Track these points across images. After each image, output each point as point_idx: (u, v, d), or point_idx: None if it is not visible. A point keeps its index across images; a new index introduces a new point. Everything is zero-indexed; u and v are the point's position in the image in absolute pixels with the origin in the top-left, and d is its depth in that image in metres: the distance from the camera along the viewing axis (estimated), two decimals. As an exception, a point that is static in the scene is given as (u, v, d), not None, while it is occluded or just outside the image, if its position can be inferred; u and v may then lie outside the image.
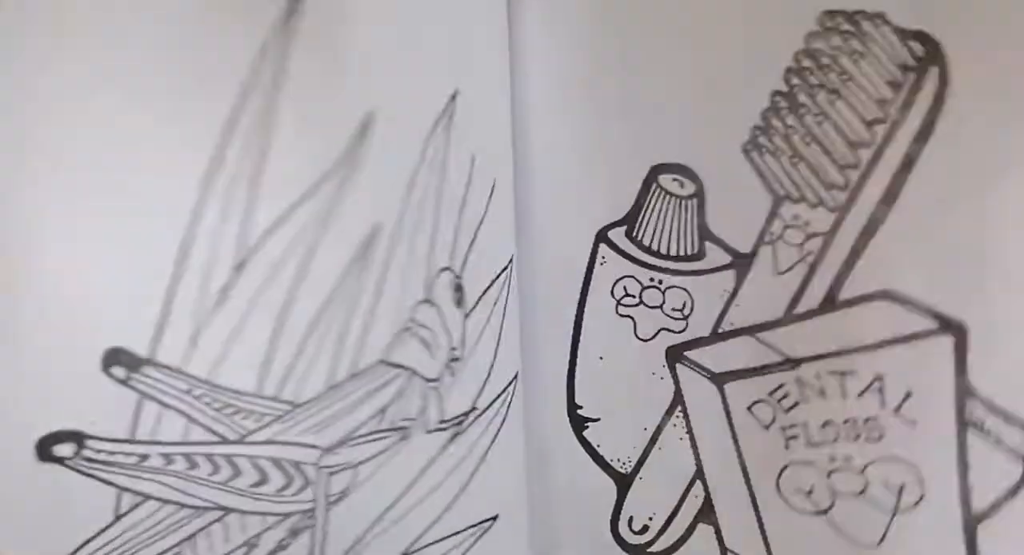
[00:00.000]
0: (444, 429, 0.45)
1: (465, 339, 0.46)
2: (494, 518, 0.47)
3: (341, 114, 0.38)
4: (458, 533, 0.46)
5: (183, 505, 0.38)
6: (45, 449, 0.35)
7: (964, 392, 0.39)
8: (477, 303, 0.47)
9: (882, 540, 0.43)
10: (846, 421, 0.43)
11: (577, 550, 0.51)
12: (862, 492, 0.43)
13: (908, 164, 0.39)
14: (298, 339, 0.39)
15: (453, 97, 0.44)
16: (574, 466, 0.50)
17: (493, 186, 0.49)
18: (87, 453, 0.36)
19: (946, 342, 0.39)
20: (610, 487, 0.50)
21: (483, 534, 0.47)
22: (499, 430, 0.48)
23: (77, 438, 0.36)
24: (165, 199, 0.35)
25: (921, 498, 0.41)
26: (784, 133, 0.42)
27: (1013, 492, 0.39)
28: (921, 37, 0.37)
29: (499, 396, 0.48)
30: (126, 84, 0.34)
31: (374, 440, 0.42)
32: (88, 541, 0.37)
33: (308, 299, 0.39)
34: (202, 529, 0.39)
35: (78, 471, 0.36)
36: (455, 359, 0.45)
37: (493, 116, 0.48)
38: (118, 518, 0.37)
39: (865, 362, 0.41)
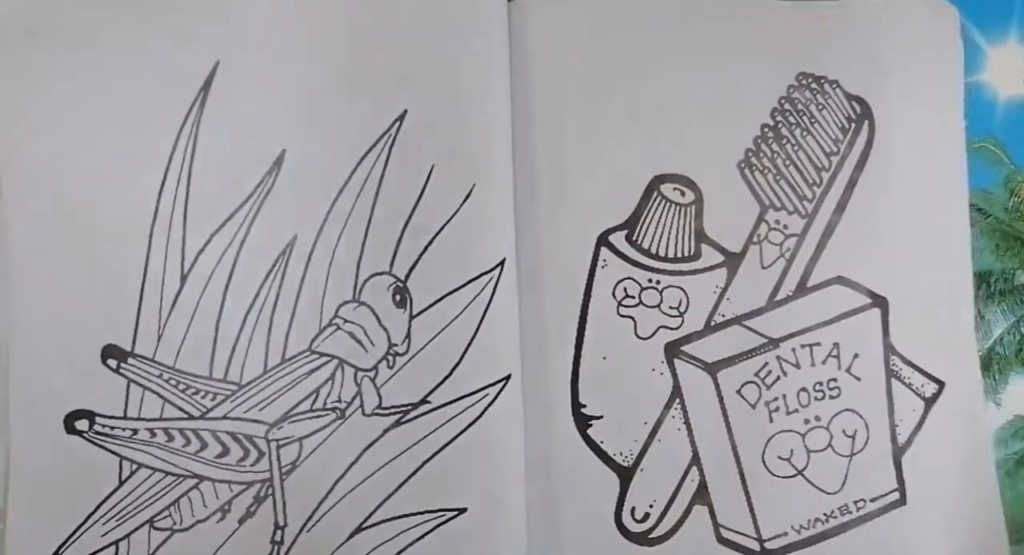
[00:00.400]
0: (383, 415, 0.48)
1: (410, 336, 0.49)
2: (461, 510, 0.48)
3: (251, 156, 0.48)
4: (412, 515, 0.48)
5: (167, 473, 0.46)
6: (70, 424, 0.45)
7: (888, 350, 0.53)
8: (434, 304, 0.49)
9: (843, 484, 0.52)
10: (815, 385, 0.52)
11: (581, 543, 0.49)
12: (828, 445, 0.52)
13: (852, 184, 0.53)
14: (233, 331, 0.47)
15: (399, 118, 0.50)
16: (578, 463, 0.50)
17: (469, 191, 0.49)
18: (97, 427, 0.45)
19: (876, 313, 0.53)
20: (613, 480, 0.50)
21: (443, 523, 0.48)
22: (468, 427, 0.49)
23: (90, 415, 0.45)
24: (127, 234, 0.46)
25: (867, 441, 0.53)
26: (770, 156, 0.53)
27: (920, 425, 0.53)
28: (859, 100, 0.54)
29: (470, 395, 0.49)
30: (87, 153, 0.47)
31: (312, 418, 0.48)
32: (102, 502, 0.45)
33: (236, 300, 0.47)
34: (184, 495, 0.46)
35: (92, 442, 0.45)
36: (396, 354, 0.48)
37: (470, 125, 0.50)
38: (121, 483, 0.45)
39: (827, 334, 0.52)
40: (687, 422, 0.51)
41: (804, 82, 0.53)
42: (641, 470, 0.50)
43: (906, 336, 0.53)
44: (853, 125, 0.53)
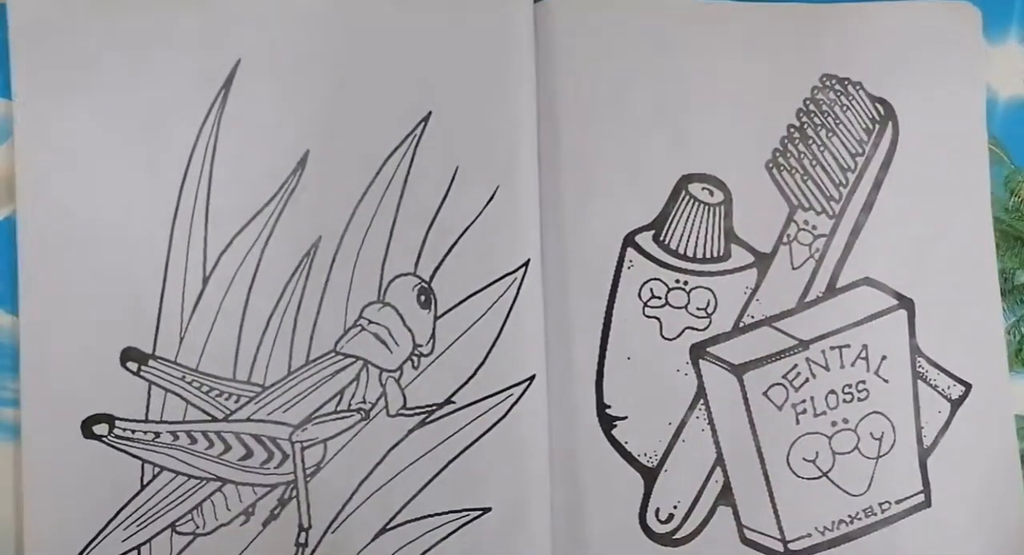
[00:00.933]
0: (408, 415, 0.46)
1: (435, 337, 0.47)
2: (486, 509, 0.46)
3: (274, 156, 0.46)
4: (437, 515, 0.46)
5: (189, 476, 0.44)
6: (87, 428, 0.43)
7: (914, 352, 0.50)
8: (458, 305, 0.47)
9: (869, 486, 0.49)
10: (844, 388, 0.49)
11: (605, 543, 0.47)
12: (855, 448, 0.49)
13: (878, 185, 0.51)
14: (257, 333, 0.45)
15: (424, 120, 0.48)
16: (602, 464, 0.47)
17: (494, 193, 0.48)
18: (117, 431, 0.43)
19: (902, 314, 0.50)
20: (638, 481, 0.48)
21: (468, 523, 0.46)
22: (493, 427, 0.46)
23: (110, 419, 0.43)
24: (147, 234, 0.45)
25: (893, 444, 0.50)
26: (797, 156, 0.50)
27: (945, 427, 0.50)
28: (882, 101, 0.51)
29: (494, 395, 0.47)
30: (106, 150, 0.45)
31: (336, 419, 0.45)
32: (123, 507, 0.43)
33: (260, 301, 0.45)
34: (207, 498, 0.44)
35: (112, 446, 0.44)
36: (421, 355, 0.46)
37: (495, 127, 0.48)
38: (143, 487, 0.44)
39: (856, 336, 0.50)
40: (711, 423, 0.48)
41: (828, 83, 0.50)
42: (665, 471, 0.48)
43: (932, 338, 0.50)
44: (877, 126, 0.51)
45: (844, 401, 0.49)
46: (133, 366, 0.44)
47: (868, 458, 0.49)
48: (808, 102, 0.50)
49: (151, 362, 0.44)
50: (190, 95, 0.45)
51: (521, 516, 0.46)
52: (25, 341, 0.44)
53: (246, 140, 0.46)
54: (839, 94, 0.51)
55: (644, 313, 0.48)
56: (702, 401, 0.48)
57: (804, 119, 0.50)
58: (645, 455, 0.48)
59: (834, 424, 0.49)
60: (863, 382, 0.50)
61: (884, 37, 0.50)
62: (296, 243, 0.46)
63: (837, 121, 0.51)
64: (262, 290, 0.45)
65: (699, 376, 0.48)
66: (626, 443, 0.48)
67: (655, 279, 0.48)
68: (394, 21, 0.47)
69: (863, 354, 0.50)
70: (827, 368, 0.49)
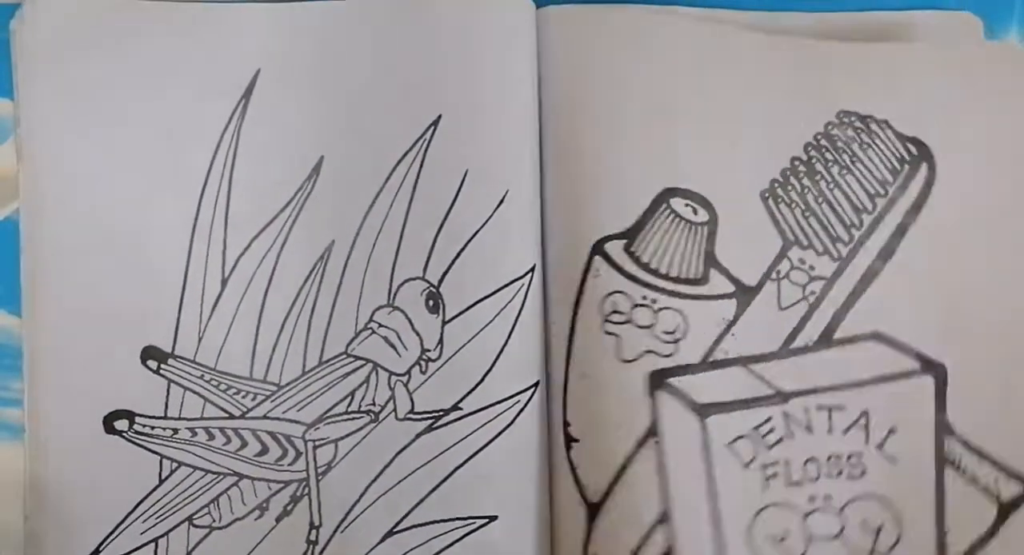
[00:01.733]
0: (416, 419, 0.42)
1: (443, 342, 0.42)
2: (492, 518, 0.40)
3: (291, 163, 0.44)
4: (443, 521, 0.40)
5: (206, 471, 0.42)
6: (108, 424, 0.42)
7: (943, 430, 0.37)
8: (467, 310, 0.42)
9: (857, 589, 0.35)
10: (830, 458, 0.37)
11: None
12: (838, 535, 0.36)
13: (902, 231, 0.40)
14: (273, 333, 0.43)
15: (434, 124, 0.44)
16: (563, 483, 0.39)
17: (503, 197, 0.43)
18: (137, 427, 0.42)
19: (928, 381, 0.38)
20: (583, 514, 0.38)
21: (474, 531, 0.39)
22: (498, 435, 0.40)
23: (130, 415, 0.42)
24: (168, 238, 0.43)
25: (897, 540, 0.36)
26: (799, 191, 0.41)
27: (988, 537, 0.36)
28: (916, 142, 0.41)
29: (501, 401, 0.41)
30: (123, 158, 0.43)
31: (347, 420, 0.43)
32: (142, 500, 0.42)
33: (276, 302, 0.43)
34: (223, 493, 0.42)
35: (131, 442, 0.42)
36: (429, 359, 0.42)
37: (504, 131, 0.43)
38: (161, 481, 0.42)
39: (853, 398, 0.38)
40: (662, 468, 0.37)
41: (846, 120, 0.42)
42: (607, 511, 0.38)
43: (972, 414, 0.37)
44: (907, 167, 0.41)
45: (827, 474, 0.37)
46: (153, 364, 0.42)
47: (855, 552, 0.36)
48: (820, 137, 0.42)
49: (171, 361, 0.42)
50: (211, 103, 0.44)
51: (526, 525, 0.39)
52: (40, 341, 0.42)
53: (265, 147, 0.44)
54: (859, 131, 0.42)
55: (604, 329, 0.39)
56: (654, 440, 0.38)
57: (813, 154, 0.41)
58: (589, 488, 0.38)
59: (812, 499, 0.36)
60: (858, 456, 0.37)
61: (913, 73, 0.41)
62: (311, 247, 0.43)
63: (854, 159, 0.41)
64: (278, 292, 0.43)
65: (655, 409, 0.38)
66: (577, 468, 0.39)
67: (619, 292, 0.40)
68: (403, 28, 0.45)
69: (861, 422, 0.37)
70: (809, 430, 0.37)
